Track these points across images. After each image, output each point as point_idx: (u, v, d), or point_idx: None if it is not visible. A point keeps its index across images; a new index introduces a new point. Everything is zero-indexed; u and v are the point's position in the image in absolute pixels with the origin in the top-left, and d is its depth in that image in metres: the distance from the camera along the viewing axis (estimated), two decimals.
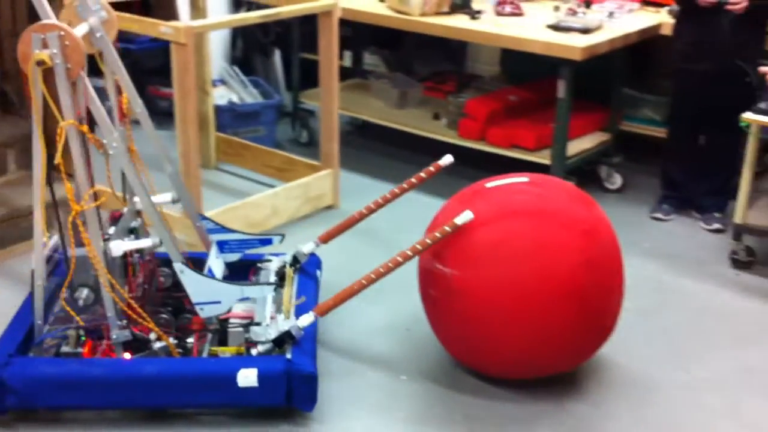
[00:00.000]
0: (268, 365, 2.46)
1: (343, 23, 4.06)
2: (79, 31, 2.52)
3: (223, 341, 2.65)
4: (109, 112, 2.61)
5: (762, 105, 3.32)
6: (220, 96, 4.85)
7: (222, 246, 2.97)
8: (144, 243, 2.62)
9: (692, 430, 2.59)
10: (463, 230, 2.53)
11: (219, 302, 2.61)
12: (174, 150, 3.43)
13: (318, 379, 2.51)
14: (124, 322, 2.54)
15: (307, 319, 2.56)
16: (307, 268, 3.06)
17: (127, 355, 2.55)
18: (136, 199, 2.76)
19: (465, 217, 2.50)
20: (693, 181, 4.04)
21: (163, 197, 2.84)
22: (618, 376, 2.83)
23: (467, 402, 2.68)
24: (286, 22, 4.89)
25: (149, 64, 5.04)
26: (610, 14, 4.12)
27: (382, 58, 5.41)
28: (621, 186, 4.33)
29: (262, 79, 5.30)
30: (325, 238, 3.08)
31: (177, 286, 2.71)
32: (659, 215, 4.03)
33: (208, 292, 2.60)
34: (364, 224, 3.13)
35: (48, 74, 2.33)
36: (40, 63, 2.30)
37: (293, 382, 2.45)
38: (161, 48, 4.54)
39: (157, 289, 2.85)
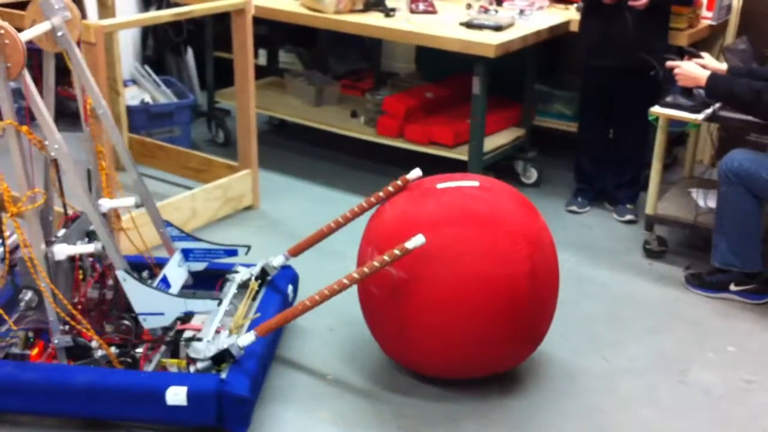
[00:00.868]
0: (199, 384, 2.38)
1: (258, 21, 4.02)
2: (40, 29, 2.45)
3: (175, 353, 2.57)
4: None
5: (669, 98, 3.42)
6: (132, 96, 4.74)
7: (187, 254, 2.88)
8: (86, 248, 2.53)
9: (613, 417, 2.65)
10: (414, 233, 2.45)
11: (162, 314, 2.53)
12: (82, 153, 3.33)
13: (253, 402, 2.46)
14: (66, 327, 2.47)
15: (247, 338, 2.47)
16: (277, 282, 2.96)
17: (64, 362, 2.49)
18: (100, 201, 2.68)
19: (416, 241, 2.41)
20: (604, 173, 4.15)
21: (126, 201, 2.76)
22: (540, 368, 2.88)
23: (396, 401, 2.68)
24: (198, 20, 4.82)
25: (57, 65, 4.89)
26: (521, 12, 4.19)
27: (298, 56, 5.39)
28: (537, 180, 4.41)
29: (175, 79, 5.21)
30: (295, 252, 2.96)
31: None
32: (574, 208, 4.13)
33: (151, 302, 2.52)
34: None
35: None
36: None
37: (224, 403, 2.37)
38: None
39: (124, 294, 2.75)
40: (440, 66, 4.76)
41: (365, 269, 2.46)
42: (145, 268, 2.88)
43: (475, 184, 2.67)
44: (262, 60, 5.31)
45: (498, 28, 3.90)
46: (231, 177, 3.95)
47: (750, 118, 3.27)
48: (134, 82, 4.95)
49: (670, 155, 4.50)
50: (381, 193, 2.81)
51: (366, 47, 5.26)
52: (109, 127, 2.72)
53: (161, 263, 2.83)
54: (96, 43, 3.15)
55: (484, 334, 2.53)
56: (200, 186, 3.92)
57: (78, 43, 2.61)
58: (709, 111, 3.34)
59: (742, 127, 3.57)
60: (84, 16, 4.33)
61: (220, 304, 2.65)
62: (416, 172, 2.82)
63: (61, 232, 2.59)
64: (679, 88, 3.39)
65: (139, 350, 2.58)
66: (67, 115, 4.29)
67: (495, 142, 4.24)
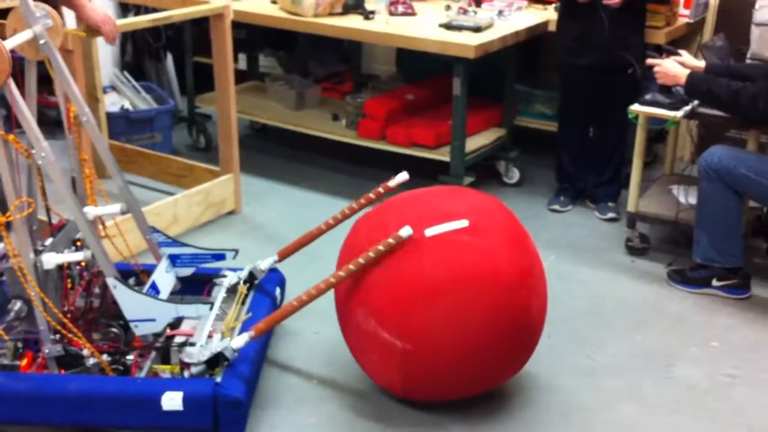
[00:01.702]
0: (194, 389, 2.37)
1: (237, 25, 4.01)
2: (22, 37, 2.44)
3: (166, 359, 2.56)
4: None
5: (648, 96, 3.44)
6: (112, 103, 4.72)
7: (174, 260, 2.86)
8: (75, 256, 2.51)
9: (597, 414, 2.66)
10: (413, 304, 2.41)
11: (153, 320, 2.51)
12: (65, 161, 3.31)
13: (248, 405, 2.45)
14: (57, 336, 2.45)
15: (241, 340, 2.46)
16: (265, 286, 2.95)
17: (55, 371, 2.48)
18: (86, 210, 2.67)
19: (405, 231, 2.40)
20: (585, 172, 4.17)
21: (111, 208, 2.74)
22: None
23: (383, 405, 2.68)
24: (177, 25, 4.81)
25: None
26: (500, 13, 4.20)
27: (278, 60, 5.38)
28: (519, 180, 4.43)
29: (155, 84, 5.19)
30: (283, 254, 2.96)
31: None
32: (556, 207, 4.14)
33: (142, 309, 2.50)
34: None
35: None
36: None
37: (220, 407, 2.36)
38: None
39: (113, 301, 2.71)
40: (420, 68, 4.77)
41: (351, 266, 2.46)
42: (132, 275, 2.86)
43: (465, 224, 2.47)
44: (242, 64, 5.29)
45: (477, 29, 3.91)
46: (213, 182, 3.94)
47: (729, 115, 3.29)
48: (113, 88, 4.92)
49: (651, 152, 4.53)
50: (363, 200, 2.83)
51: (346, 50, 5.27)
52: (94, 135, 2.70)
53: (148, 270, 2.81)
54: (73, 50, 3.14)
55: (482, 368, 2.55)
56: (182, 191, 3.91)
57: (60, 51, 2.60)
58: (688, 108, 3.36)
59: (722, 124, 3.61)
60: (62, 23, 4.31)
61: (211, 308, 2.64)
62: (402, 176, 2.80)
63: (49, 241, 2.56)
64: (657, 85, 3.41)
65: (129, 357, 2.56)
66: (47, 123, 4.25)
67: (476, 142, 4.25)
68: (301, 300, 2.49)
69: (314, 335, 3.03)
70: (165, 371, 2.51)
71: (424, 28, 4.01)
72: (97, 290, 2.67)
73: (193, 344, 2.50)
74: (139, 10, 4.74)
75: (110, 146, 4.22)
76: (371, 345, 2.52)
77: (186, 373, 2.47)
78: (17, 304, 2.48)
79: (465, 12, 4.20)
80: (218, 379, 2.42)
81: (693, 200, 3.48)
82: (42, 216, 2.71)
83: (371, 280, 2.48)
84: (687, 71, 3.27)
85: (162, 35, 5.34)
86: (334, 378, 2.81)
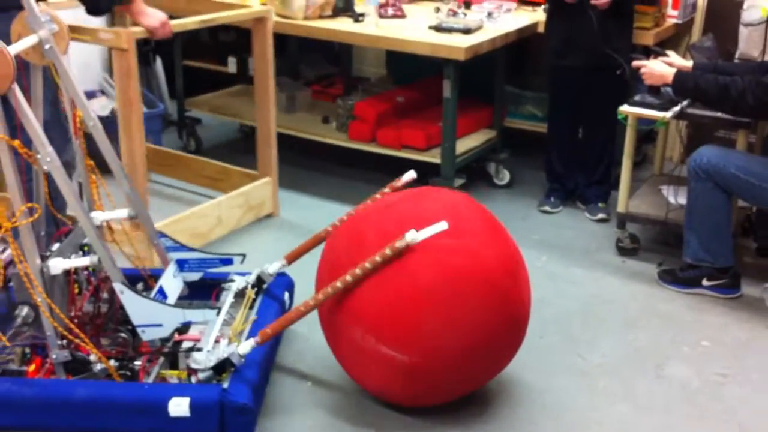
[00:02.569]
0: (201, 394, 2.36)
1: (227, 28, 4.00)
2: (27, 43, 2.43)
3: (174, 364, 2.54)
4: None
5: (637, 97, 3.45)
6: (102, 107, 4.70)
7: (182, 265, 2.84)
8: (82, 261, 2.50)
9: (589, 414, 2.67)
10: (411, 316, 2.38)
11: (160, 325, 2.49)
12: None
13: (255, 410, 2.43)
14: (64, 342, 2.44)
15: (247, 345, 2.44)
16: (273, 290, 2.93)
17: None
18: (94, 214, 2.65)
19: (411, 236, 2.34)
20: (575, 173, 4.19)
21: (119, 213, 2.73)
22: (515, 366, 2.89)
23: (378, 409, 2.66)
24: None
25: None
26: (489, 14, 4.21)
27: None
28: (509, 181, 4.44)
29: (145, 89, 5.17)
30: (291, 258, 2.94)
31: None
32: (547, 208, 4.15)
33: (149, 314, 2.48)
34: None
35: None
36: None
37: (226, 413, 2.34)
38: None
39: (120, 306, 2.68)
40: (410, 70, 4.77)
41: (358, 270, 2.39)
42: (140, 279, 2.85)
43: (445, 226, 2.40)
44: (232, 67, 5.30)
45: (467, 31, 3.92)
46: (252, 185, 3.94)
47: (718, 114, 3.31)
48: (103, 92, 4.91)
49: (640, 153, 4.55)
50: (369, 201, 2.79)
51: (336, 52, 5.27)
52: (100, 139, 2.68)
53: (156, 275, 2.78)
54: (128, 50, 3.15)
55: (482, 364, 2.55)
56: (217, 194, 3.93)
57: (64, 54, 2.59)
58: (677, 108, 3.38)
59: (711, 124, 3.62)
60: None
61: (218, 313, 2.62)
62: (410, 175, 2.78)
63: (56, 246, 2.55)
64: (646, 86, 3.42)
65: (137, 363, 2.55)
66: None
67: (467, 144, 4.26)
68: (308, 305, 2.46)
69: (322, 338, 3.00)
70: (173, 377, 2.50)
71: (414, 30, 4.02)
72: (105, 295, 2.65)
73: (200, 350, 2.49)
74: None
75: (147, 149, 4.22)
76: (370, 360, 2.47)
77: (193, 379, 2.46)
78: (24, 310, 2.46)
79: (454, 14, 4.21)
80: (225, 385, 2.40)
81: (682, 200, 3.49)
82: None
83: (362, 296, 2.43)
84: (674, 70, 3.29)
85: (151, 39, 5.32)
86: (334, 381, 2.78)
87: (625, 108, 3.46)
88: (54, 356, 2.46)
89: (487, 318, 2.44)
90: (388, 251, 2.37)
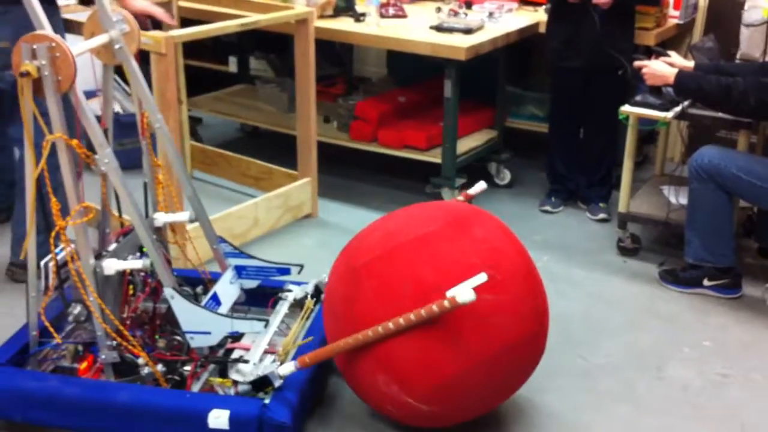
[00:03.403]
0: (241, 408, 2.33)
1: None
2: (96, 42, 2.43)
3: (223, 372, 2.51)
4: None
5: (639, 98, 3.45)
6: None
7: (240, 271, 2.82)
8: (135, 264, 2.48)
9: (590, 415, 2.67)
10: (444, 378, 2.27)
11: (209, 333, 2.47)
12: None
13: (295, 429, 2.37)
14: (114, 343, 2.44)
15: (288, 368, 2.39)
16: None
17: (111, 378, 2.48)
18: (156, 216, 2.66)
19: (465, 296, 2.17)
20: (576, 173, 4.18)
21: (181, 215, 2.72)
22: None
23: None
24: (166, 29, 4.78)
25: None
26: (491, 14, 4.21)
27: (269, 62, 5.37)
28: (510, 181, 4.44)
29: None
30: None
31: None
32: (548, 208, 4.15)
33: (198, 321, 2.46)
34: None
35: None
36: (25, 74, 2.20)
37: (265, 429, 2.31)
38: None
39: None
40: (411, 70, 4.77)
41: (427, 311, 2.22)
42: (200, 283, 2.83)
43: (484, 279, 2.21)
44: (233, 67, 5.30)
45: (468, 31, 3.92)
46: (292, 185, 3.94)
47: (719, 114, 3.30)
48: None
49: (641, 153, 4.55)
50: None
51: (337, 53, 5.26)
52: (166, 141, 2.68)
53: (216, 279, 2.75)
54: (167, 54, 3.16)
55: (500, 400, 2.55)
56: (260, 194, 3.93)
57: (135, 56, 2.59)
58: (678, 109, 3.37)
59: (712, 124, 3.62)
60: None
61: (267, 325, 2.57)
62: (480, 185, 2.72)
63: (112, 247, 2.54)
64: (647, 87, 3.42)
65: (188, 368, 2.52)
66: None
67: (468, 144, 4.26)
68: (357, 339, 2.32)
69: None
70: (219, 385, 2.48)
71: (415, 30, 4.02)
72: (163, 296, 2.61)
73: (246, 361, 2.47)
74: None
75: (192, 147, 4.25)
76: (389, 402, 2.40)
77: (232, 390, 2.44)
78: (77, 308, 2.47)
79: (455, 14, 4.21)
80: (266, 401, 2.36)
81: (684, 200, 3.49)
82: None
83: (391, 344, 2.29)
84: (675, 71, 3.28)
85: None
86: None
87: (626, 108, 3.46)
88: (103, 357, 2.46)
89: (516, 371, 2.44)
90: (433, 308, 2.19)
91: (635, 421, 2.64)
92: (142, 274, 2.60)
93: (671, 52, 3.50)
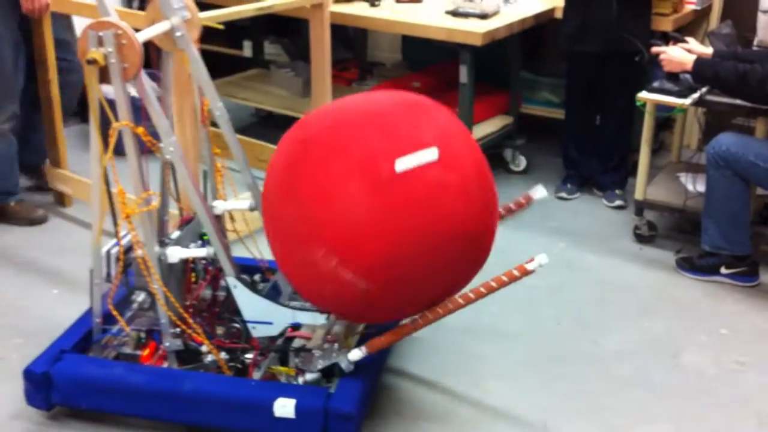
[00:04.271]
0: (307, 398, 2.32)
1: None
2: (158, 29, 2.43)
3: (284, 360, 2.51)
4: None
5: (656, 84, 3.43)
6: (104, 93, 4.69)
7: None
8: (199, 252, 2.49)
9: (606, 400, 2.66)
10: (382, 249, 2.14)
11: (271, 323, 2.47)
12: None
13: (360, 418, 2.37)
14: (177, 330, 2.45)
15: (357, 353, 2.38)
16: None
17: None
18: (215, 203, 2.66)
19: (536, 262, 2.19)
20: (591, 160, 4.16)
21: (240, 203, 2.72)
22: (530, 352, 2.90)
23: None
24: None
25: None
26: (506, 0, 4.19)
27: (283, 47, 5.36)
28: (525, 167, 4.42)
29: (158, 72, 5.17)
30: None
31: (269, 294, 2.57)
32: (563, 194, 4.13)
33: (260, 311, 2.46)
34: None
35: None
36: (91, 61, 2.20)
37: (330, 418, 2.29)
38: None
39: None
40: (426, 55, 4.75)
41: (493, 282, 2.24)
42: (258, 271, 2.84)
43: (435, 155, 2.17)
44: (247, 52, 5.29)
45: (484, 16, 3.89)
46: None
47: (737, 101, 3.28)
48: None
49: (657, 140, 4.52)
50: (501, 211, 2.64)
51: (351, 37, 5.25)
52: (225, 129, 2.67)
53: (274, 267, 2.73)
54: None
55: (444, 292, 2.35)
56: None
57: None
58: (696, 95, 3.35)
59: (729, 111, 3.59)
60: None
61: (328, 317, 2.55)
62: (541, 192, 2.70)
63: (175, 234, 2.54)
64: (664, 73, 3.39)
65: (249, 356, 2.52)
66: None
67: (483, 130, 4.24)
68: (427, 318, 2.31)
69: (433, 341, 2.93)
70: (281, 374, 2.48)
71: (430, 15, 3.99)
72: (223, 283, 2.61)
73: (309, 350, 2.45)
74: (143, 2, 4.71)
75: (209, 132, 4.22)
76: (330, 283, 2.22)
77: (300, 379, 2.44)
78: (141, 295, 2.48)
79: None
80: (331, 390, 2.36)
81: (701, 188, 3.47)
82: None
83: (337, 215, 2.16)
84: (693, 57, 3.25)
85: None
86: (461, 391, 2.71)
87: (643, 94, 3.43)
88: (167, 344, 2.47)
89: (460, 260, 2.28)
90: (504, 278, 2.18)
91: (650, 407, 2.63)
92: (203, 261, 2.60)
93: (689, 39, 3.47)
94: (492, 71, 4.28)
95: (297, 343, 2.50)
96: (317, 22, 3.74)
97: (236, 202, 2.73)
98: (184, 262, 2.54)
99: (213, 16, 3.42)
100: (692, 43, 3.43)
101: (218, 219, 2.69)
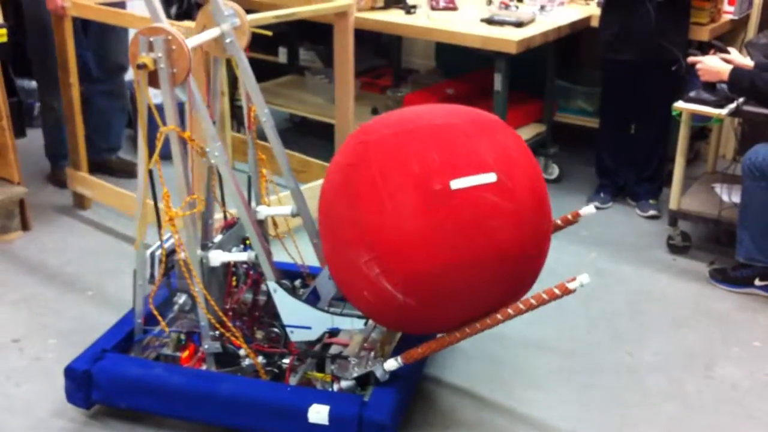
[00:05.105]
0: (341, 405, 2.33)
1: None
2: (208, 35, 2.48)
3: (321, 367, 2.53)
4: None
5: (692, 93, 3.41)
6: (154, 95, 4.76)
7: None
8: (240, 256, 2.53)
9: (637, 412, 2.65)
10: (426, 267, 2.15)
11: (309, 328, 2.49)
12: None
13: (394, 428, 2.36)
14: (217, 333, 2.49)
15: (392, 363, 2.36)
16: None
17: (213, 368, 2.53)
18: (259, 209, 2.71)
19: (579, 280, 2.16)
20: (626, 169, 4.15)
21: (283, 209, 2.76)
22: (563, 362, 2.89)
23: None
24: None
25: None
26: (542, 7, 4.19)
27: (317, 53, 5.40)
28: (558, 176, 4.41)
29: None
30: None
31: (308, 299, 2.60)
32: (597, 204, 4.11)
33: (299, 315, 2.48)
34: None
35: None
36: (141, 66, 2.25)
37: (364, 427, 2.30)
38: None
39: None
40: (460, 62, 4.76)
41: (533, 300, 2.22)
42: (298, 276, 2.87)
43: (492, 179, 2.18)
44: (282, 58, 5.34)
45: (519, 24, 3.90)
46: None
47: None
48: None
49: (692, 150, 4.49)
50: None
51: (385, 44, 5.28)
52: (271, 135, 2.71)
53: (314, 273, 2.78)
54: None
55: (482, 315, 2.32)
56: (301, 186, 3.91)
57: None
58: (732, 106, 3.33)
59: (766, 122, 3.56)
60: None
61: (366, 322, 2.55)
62: (590, 209, 2.63)
63: (218, 238, 2.58)
64: (700, 82, 3.38)
65: (286, 361, 2.55)
66: None
67: None
68: (465, 332, 2.30)
69: (471, 351, 2.94)
70: (318, 380, 2.50)
71: (466, 22, 4.01)
72: (264, 287, 2.64)
73: (345, 357, 2.47)
74: (182, 4, 4.77)
75: (233, 138, 4.24)
76: (367, 288, 2.24)
77: (335, 387, 2.45)
78: (182, 298, 2.52)
79: (507, 7, 4.19)
80: (366, 398, 2.36)
81: (736, 199, 3.45)
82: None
83: (386, 224, 2.16)
84: (730, 67, 3.24)
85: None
86: (494, 400, 2.71)
87: (680, 104, 3.42)
88: (206, 347, 2.51)
89: (506, 288, 2.28)
90: (554, 291, 2.16)
91: (683, 420, 2.62)
92: (245, 266, 2.63)
93: (731, 49, 3.44)
94: (527, 79, 4.29)
95: (334, 349, 2.52)
96: (341, 30, 3.76)
97: (279, 208, 2.76)
98: (226, 265, 2.57)
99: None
100: (733, 53, 3.41)
101: (261, 224, 2.72)
